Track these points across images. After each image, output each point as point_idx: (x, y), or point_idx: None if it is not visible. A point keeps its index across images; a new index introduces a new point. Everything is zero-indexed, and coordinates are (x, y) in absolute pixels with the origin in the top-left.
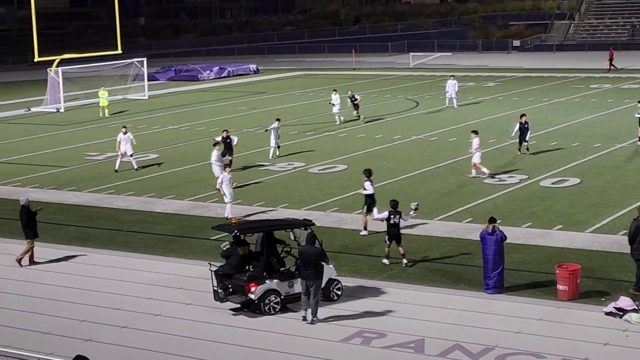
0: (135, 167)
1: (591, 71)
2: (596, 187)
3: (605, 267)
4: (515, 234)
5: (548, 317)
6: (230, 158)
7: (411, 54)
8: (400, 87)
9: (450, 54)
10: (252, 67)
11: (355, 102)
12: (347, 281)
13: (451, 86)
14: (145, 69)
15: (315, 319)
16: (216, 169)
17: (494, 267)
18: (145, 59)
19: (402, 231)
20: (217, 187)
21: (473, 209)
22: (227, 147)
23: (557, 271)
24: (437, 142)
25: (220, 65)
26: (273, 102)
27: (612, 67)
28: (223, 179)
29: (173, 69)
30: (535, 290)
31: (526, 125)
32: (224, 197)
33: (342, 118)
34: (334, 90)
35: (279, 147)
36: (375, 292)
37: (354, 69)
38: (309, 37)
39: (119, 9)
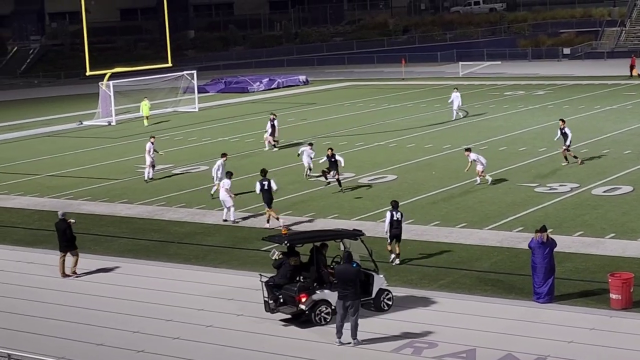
0: (146, 178)
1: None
2: None
3: None
4: (567, 243)
5: (601, 326)
6: (337, 177)
7: (460, 63)
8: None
9: (499, 62)
10: (302, 78)
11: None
12: (398, 291)
13: (455, 98)
14: (195, 82)
15: (355, 341)
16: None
17: (545, 276)
18: (195, 72)
19: (455, 240)
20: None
21: (524, 217)
22: (333, 166)
23: (609, 280)
24: (487, 151)
25: (269, 76)
26: (323, 113)
27: (634, 74)
28: (224, 185)
29: (223, 81)
30: (587, 299)
31: (564, 131)
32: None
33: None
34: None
35: (310, 169)
36: (426, 302)
37: (403, 79)
38: (358, 47)
39: (169, 22)
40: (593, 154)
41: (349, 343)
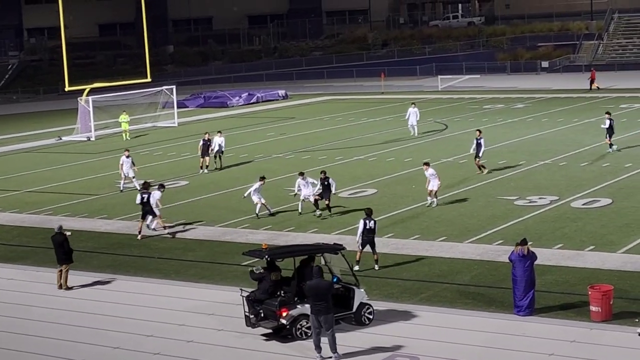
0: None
1: (621, 91)
2: (628, 208)
3: (638, 287)
4: (547, 256)
5: (581, 339)
6: (327, 202)
7: (439, 77)
8: (429, 110)
9: (478, 76)
10: (281, 92)
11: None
12: (379, 305)
13: (412, 114)
14: (174, 96)
15: (336, 355)
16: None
17: (526, 289)
18: (174, 87)
19: (435, 254)
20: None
21: (503, 230)
22: (326, 190)
23: (589, 292)
24: (467, 165)
25: (249, 91)
26: (302, 127)
27: (593, 88)
28: (155, 196)
29: (202, 95)
30: (567, 312)
31: (480, 141)
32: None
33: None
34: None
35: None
36: (407, 315)
37: (382, 92)
38: (337, 61)
39: (148, 37)
40: (572, 167)
41: (330, 357)
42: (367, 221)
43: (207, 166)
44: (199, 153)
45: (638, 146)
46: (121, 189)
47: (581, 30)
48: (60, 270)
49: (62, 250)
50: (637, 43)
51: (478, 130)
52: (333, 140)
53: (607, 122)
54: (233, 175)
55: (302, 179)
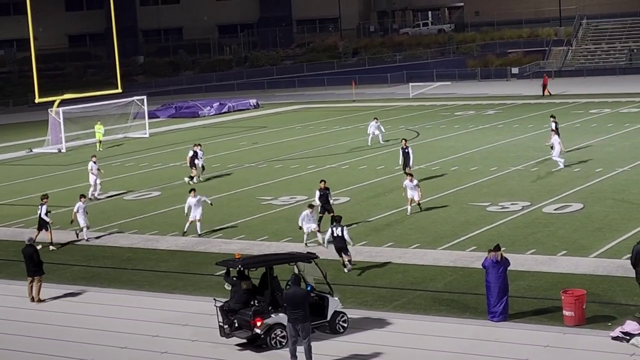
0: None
1: (590, 96)
2: (599, 212)
3: (610, 291)
4: (520, 261)
5: (555, 343)
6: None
7: (410, 84)
8: (401, 118)
9: (449, 83)
10: (253, 102)
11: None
12: (353, 313)
13: (373, 127)
14: (145, 107)
15: None
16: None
17: (499, 295)
18: (145, 97)
19: (409, 261)
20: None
21: (476, 237)
22: (326, 203)
23: (562, 297)
24: (439, 171)
25: (220, 101)
26: (274, 136)
27: (546, 94)
28: (78, 208)
29: (173, 106)
30: (541, 317)
31: (407, 150)
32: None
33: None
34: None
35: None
36: (382, 323)
37: (353, 100)
38: (308, 70)
39: (118, 48)
40: (543, 172)
41: None
42: (335, 228)
43: (191, 177)
44: (187, 163)
45: (607, 151)
46: (90, 196)
47: (550, 37)
48: (31, 283)
49: (32, 263)
50: (606, 49)
51: (404, 139)
52: (305, 149)
53: (553, 125)
54: (206, 184)
55: (311, 212)
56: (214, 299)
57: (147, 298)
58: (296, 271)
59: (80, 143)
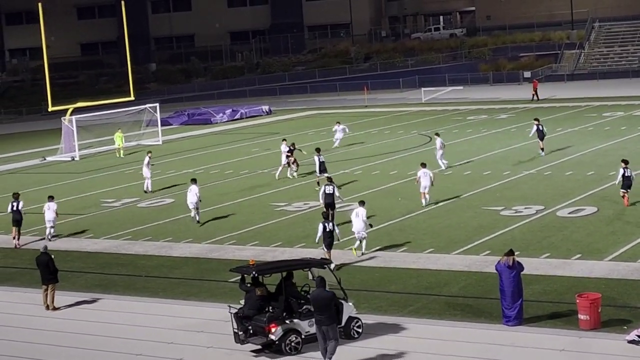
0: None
1: (603, 99)
2: (613, 216)
3: (625, 295)
4: (534, 265)
5: (570, 347)
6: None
7: (423, 89)
8: (413, 123)
9: (461, 87)
10: (265, 108)
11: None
12: (367, 318)
13: (339, 131)
14: (158, 114)
15: None
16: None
17: (513, 299)
18: (158, 104)
19: (422, 266)
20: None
21: (490, 241)
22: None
23: (577, 301)
24: (452, 176)
25: (232, 107)
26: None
27: (535, 98)
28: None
29: (186, 113)
30: (556, 321)
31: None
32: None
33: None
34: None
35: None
36: (396, 328)
37: (365, 106)
38: (320, 76)
39: (130, 56)
40: (557, 176)
41: None
42: (326, 224)
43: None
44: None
45: (621, 154)
46: (145, 189)
47: (562, 40)
48: (46, 291)
49: (48, 270)
50: (618, 51)
51: (317, 149)
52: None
53: (534, 127)
54: (219, 191)
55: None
56: (229, 306)
57: (162, 305)
58: (310, 277)
59: (93, 151)
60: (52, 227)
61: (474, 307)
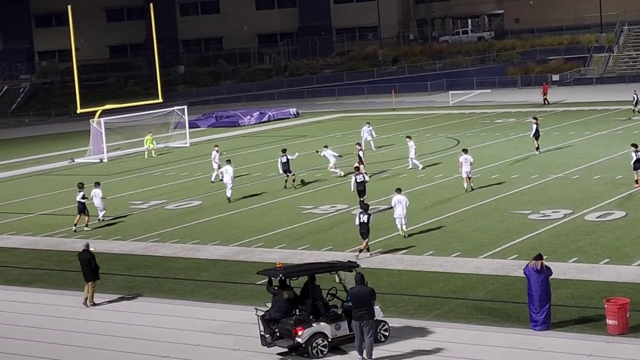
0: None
1: (632, 103)
2: None
3: None
4: (562, 269)
5: (598, 352)
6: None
7: (450, 92)
8: (441, 126)
9: (489, 90)
10: (293, 110)
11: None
12: (394, 322)
13: (366, 132)
14: (186, 117)
15: (369, 357)
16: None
17: (541, 304)
18: (185, 107)
19: (450, 270)
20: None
21: (518, 245)
22: (360, 190)
23: (605, 305)
24: (480, 180)
25: (260, 110)
26: (314, 145)
27: (545, 102)
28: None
29: (214, 115)
30: (584, 326)
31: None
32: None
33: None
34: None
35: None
36: (423, 332)
37: (393, 109)
38: (348, 79)
39: (159, 58)
40: (585, 180)
41: None
42: (362, 215)
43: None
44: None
45: None
46: (212, 179)
47: (591, 43)
48: (90, 287)
49: (89, 268)
50: None
51: (283, 149)
52: (345, 158)
53: (534, 126)
54: (246, 193)
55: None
56: (255, 308)
57: (189, 307)
58: (337, 280)
59: (121, 153)
60: (102, 210)
61: (501, 311)
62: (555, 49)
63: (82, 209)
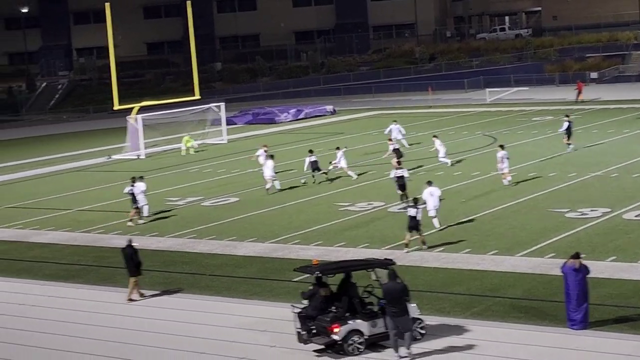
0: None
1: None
2: None
3: None
4: (600, 268)
5: (637, 352)
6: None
7: (487, 89)
8: (478, 124)
9: (527, 88)
10: (329, 108)
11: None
12: (430, 320)
13: (395, 131)
14: (223, 113)
15: (408, 353)
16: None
17: (579, 303)
18: (223, 104)
19: (486, 268)
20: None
21: (555, 243)
22: (401, 185)
23: None
24: (517, 178)
25: (297, 107)
26: (351, 143)
27: (577, 100)
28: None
29: (251, 112)
30: (622, 325)
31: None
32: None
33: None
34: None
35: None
36: (459, 330)
37: (430, 106)
38: (385, 76)
39: (196, 55)
40: (624, 178)
41: (405, 357)
42: (411, 209)
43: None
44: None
45: None
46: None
47: (630, 40)
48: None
49: (133, 263)
50: None
51: (310, 150)
52: (381, 155)
53: (565, 124)
54: (284, 191)
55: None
56: (292, 305)
57: (226, 304)
58: (373, 277)
59: (158, 149)
60: (144, 204)
61: (538, 310)
62: (593, 47)
63: (136, 202)
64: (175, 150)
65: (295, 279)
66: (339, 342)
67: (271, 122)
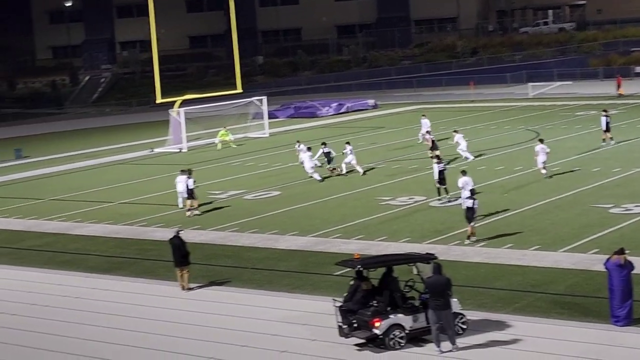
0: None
1: None
2: None
3: None
4: None
5: None
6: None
7: (530, 84)
8: (520, 118)
9: (570, 82)
10: (371, 102)
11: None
12: (472, 315)
13: (426, 126)
14: (265, 107)
15: (454, 347)
16: None
17: (623, 299)
18: (264, 97)
19: (528, 263)
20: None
21: (598, 239)
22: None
23: None
24: (560, 172)
25: (338, 101)
26: (392, 137)
27: (620, 94)
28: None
29: (292, 106)
30: None
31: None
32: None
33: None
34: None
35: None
36: (501, 325)
37: (472, 101)
38: (427, 70)
39: (238, 49)
40: None
41: (450, 351)
42: (467, 200)
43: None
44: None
45: None
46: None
47: None
48: (181, 273)
49: (180, 253)
50: None
51: (323, 143)
52: (423, 149)
53: (604, 119)
54: (325, 185)
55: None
56: (333, 299)
57: (267, 297)
58: (415, 272)
59: (201, 143)
60: (184, 198)
61: (581, 306)
62: (638, 40)
63: (191, 194)
64: (217, 143)
65: (336, 273)
66: (380, 337)
67: (313, 116)
